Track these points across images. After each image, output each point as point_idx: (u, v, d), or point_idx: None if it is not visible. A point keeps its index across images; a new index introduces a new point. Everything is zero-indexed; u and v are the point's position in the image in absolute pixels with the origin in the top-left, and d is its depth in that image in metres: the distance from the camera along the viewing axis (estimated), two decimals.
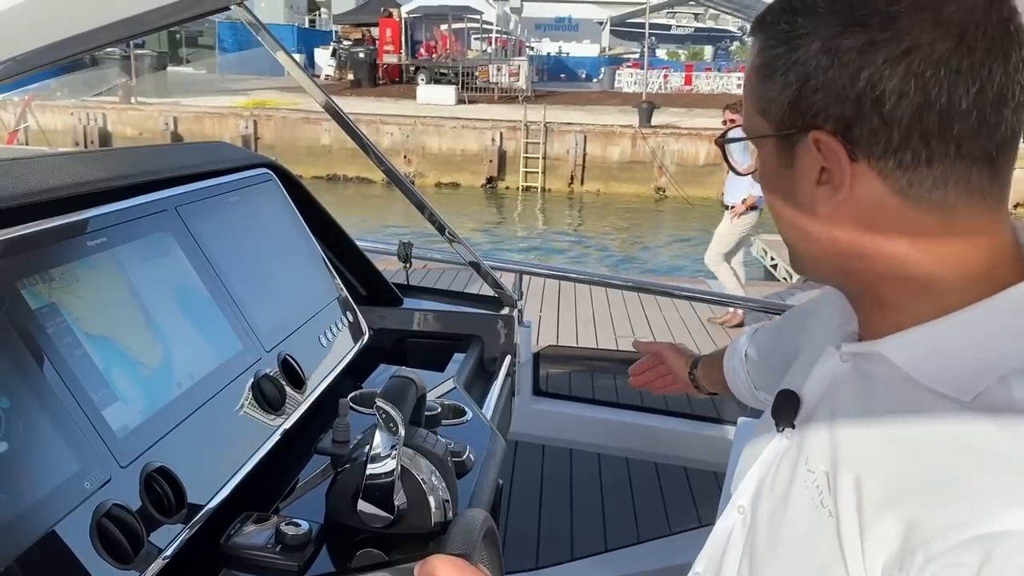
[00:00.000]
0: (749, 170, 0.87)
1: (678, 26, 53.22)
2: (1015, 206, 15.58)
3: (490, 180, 19.20)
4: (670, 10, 47.93)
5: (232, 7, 1.55)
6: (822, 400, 0.89)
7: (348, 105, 19.53)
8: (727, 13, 44.73)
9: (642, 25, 29.04)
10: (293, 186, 1.84)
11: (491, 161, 19.08)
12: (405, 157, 18.85)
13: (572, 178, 19.08)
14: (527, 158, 18.97)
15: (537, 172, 18.91)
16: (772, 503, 0.90)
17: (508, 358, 2.14)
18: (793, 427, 0.91)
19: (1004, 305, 0.72)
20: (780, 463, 0.91)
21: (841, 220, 0.76)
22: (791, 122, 0.75)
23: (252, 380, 1.33)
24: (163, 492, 1.05)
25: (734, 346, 1.48)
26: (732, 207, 7.15)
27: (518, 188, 19.00)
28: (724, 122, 7.35)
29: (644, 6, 27.38)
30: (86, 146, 18.60)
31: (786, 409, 0.92)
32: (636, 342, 1.70)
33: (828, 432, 0.84)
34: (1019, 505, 0.61)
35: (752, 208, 7.03)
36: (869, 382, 0.82)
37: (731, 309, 7.29)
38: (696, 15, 54.66)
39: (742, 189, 7.01)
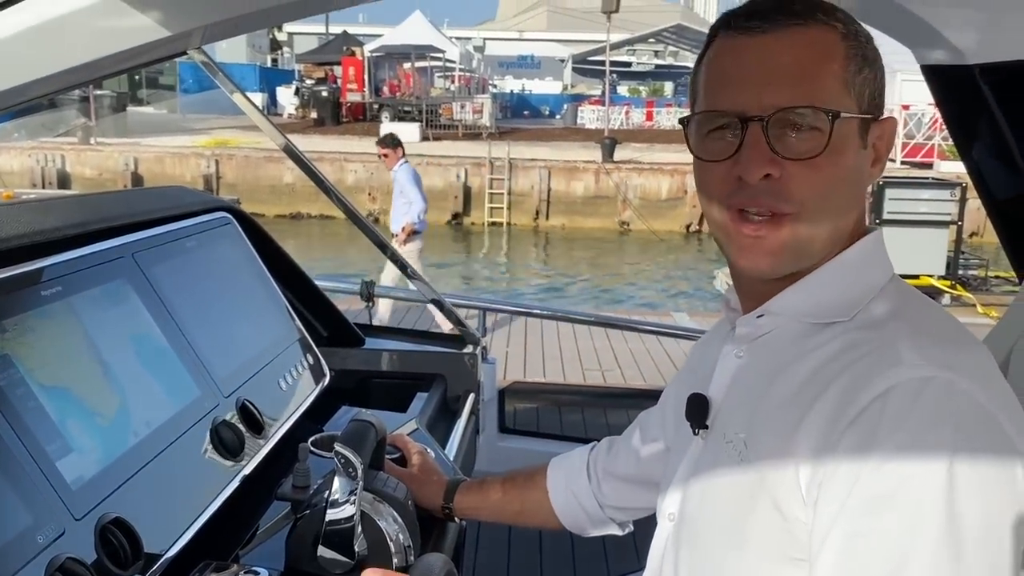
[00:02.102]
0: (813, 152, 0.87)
1: (638, 63, 54.16)
2: (971, 235, 15.83)
3: (456, 216, 19.25)
4: (630, 47, 48.75)
5: (188, 51, 1.56)
6: (728, 392, 0.97)
7: (312, 143, 19.52)
8: (686, 50, 45.63)
9: (603, 63, 29.47)
10: (252, 229, 1.84)
11: (456, 197, 19.14)
12: (370, 194, 18.83)
13: (537, 213, 19.21)
14: (492, 194, 19.07)
15: (502, 208, 19.00)
16: (700, 492, 0.95)
17: (472, 396, 2.14)
18: (707, 427, 0.98)
19: (858, 251, 0.92)
20: (700, 458, 0.97)
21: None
22: (874, 107, 0.91)
23: (210, 426, 1.32)
24: (119, 544, 1.03)
25: (563, 465, 1.38)
26: (396, 235, 7.50)
27: (484, 224, 19.07)
28: (379, 155, 7.79)
29: (605, 44, 27.82)
30: (44, 187, 18.30)
31: (698, 412, 0.99)
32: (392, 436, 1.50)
33: (739, 408, 0.94)
34: (893, 367, 0.80)
35: (414, 233, 7.44)
36: (764, 356, 0.94)
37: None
38: (656, 52, 55.69)
39: (401, 216, 7.46)
